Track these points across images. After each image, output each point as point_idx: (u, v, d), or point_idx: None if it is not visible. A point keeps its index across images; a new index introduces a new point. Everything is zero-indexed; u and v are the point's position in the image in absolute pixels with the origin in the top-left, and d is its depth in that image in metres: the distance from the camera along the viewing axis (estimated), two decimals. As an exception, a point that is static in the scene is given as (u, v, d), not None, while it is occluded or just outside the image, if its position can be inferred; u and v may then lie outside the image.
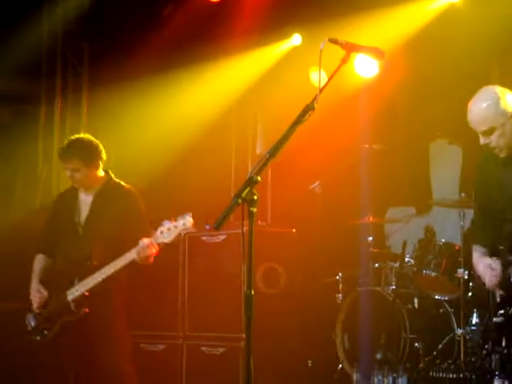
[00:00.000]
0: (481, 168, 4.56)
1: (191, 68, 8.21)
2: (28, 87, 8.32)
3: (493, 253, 4.43)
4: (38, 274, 5.61)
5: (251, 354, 3.44)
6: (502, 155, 4.29)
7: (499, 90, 4.28)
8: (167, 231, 5.11)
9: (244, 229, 3.60)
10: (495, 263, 4.29)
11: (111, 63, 8.05)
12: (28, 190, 8.43)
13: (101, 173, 5.58)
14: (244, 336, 3.57)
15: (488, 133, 4.19)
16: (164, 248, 5.32)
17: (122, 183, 5.65)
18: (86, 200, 5.60)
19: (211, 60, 8.31)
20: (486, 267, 4.34)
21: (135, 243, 5.19)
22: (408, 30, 7.52)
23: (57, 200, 5.86)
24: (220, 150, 9.06)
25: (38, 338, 5.42)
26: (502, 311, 4.29)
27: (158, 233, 5.13)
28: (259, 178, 3.55)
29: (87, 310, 5.29)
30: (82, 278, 5.31)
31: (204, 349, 7.05)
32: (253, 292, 3.50)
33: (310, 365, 7.21)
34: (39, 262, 5.69)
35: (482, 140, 4.25)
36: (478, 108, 4.23)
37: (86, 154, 5.43)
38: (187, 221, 5.08)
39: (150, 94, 8.08)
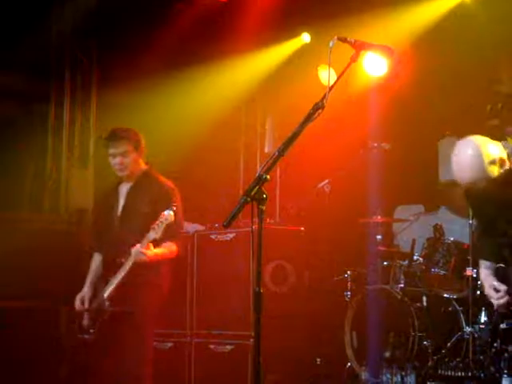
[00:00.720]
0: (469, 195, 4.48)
1: (200, 66, 8.22)
2: (37, 85, 8.33)
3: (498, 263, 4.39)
4: (90, 274, 5.65)
5: (260, 352, 3.44)
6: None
7: (478, 141, 4.12)
8: (157, 227, 5.11)
9: (253, 227, 3.60)
10: (499, 285, 4.24)
11: (120, 61, 8.05)
12: (36, 189, 8.45)
13: (143, 163, 5.59)
14: (253, 334, 3.57)
15: (481, 187, 4.11)
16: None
17: (161, 177, 5.61)
18: (123, 192, 5.60)
19: (220, 58, 8.31)
20: (491, 289, 4.31)
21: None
22: (417, 28, 7.51)
23: (100, 196, 5.86)
24: (229, 149, 9.08)
25: (86, 336, 5.41)
26: (509, 321, 4.27)
27: (151, 231, 5.13)
28: (268, 177, 3.55)
29: (117, 308, 5.26)
30: (113, 275, 5.29)
31: (212, 346, 7.07)
32: (262, 290, 3.50)
33: (318, 363, 7.21)
34: (93, 261, 5.73)
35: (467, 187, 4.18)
36: (465, 168, 4.09)
37: (134, 136, 5.49)
38: (169, 215, 5.08)
39: (158, 92, 8.09)
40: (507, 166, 4.07)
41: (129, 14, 8.00)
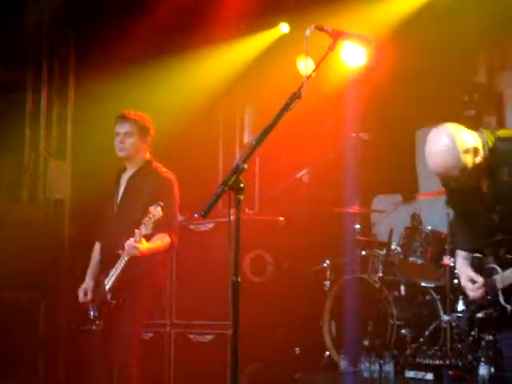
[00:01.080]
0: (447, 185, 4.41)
1: (178, 56, 8.20)
2: (14, 75, 8.29)
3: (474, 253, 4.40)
4: (91, 264, 5.68)
5: (238, 341, 3.45)
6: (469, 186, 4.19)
7: (451, 129, 4.06)
8: (146, 223, 5.14)
9: (231, 217, 3.60)
10: (477, 277, 4.24)
11: (97, 50, 8.02)
12: (14, 178, 8.41)
13: (147, 152, 5.65)
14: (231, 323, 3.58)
15: (456, 176, 4.04)
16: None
17: (162, 168, 5.65)
18: (125, 179, 5.64)
19: (198, 48, 8.29)
20: (468, 281, 4.31)
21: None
22: (395, 18, 7.52)
23: (107, 182, 5.89)
24: (208, 139, 9.06)
25: (94, 327, 5.43)
26: (486, 311, 4.28)
27: (142, 226, 5.15)
28: (246, 166, 3.55)
29: (120, 300, 5.32)
30: (112, 267, 5.33)
31: (192, 337, 7.08)
32: (240, 279, 3.51)
33: (297, 352, 7.23)
34: (94, 250, 5.77)
35: (451, 182, 4.12)
36: (439, 157, 4.02)
37: (142, 121, 5.57)
38: (156, 211, 5.12)
39: (136, 82, 8.05)
40: (481, 156, 4.06)
41: (106, 3, 7.96)
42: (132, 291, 5.33)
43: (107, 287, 5.33)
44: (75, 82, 8.43)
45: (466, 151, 3.99)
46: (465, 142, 4.00)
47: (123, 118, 5.55)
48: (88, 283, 5.57)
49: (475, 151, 4.02)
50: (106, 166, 7.85)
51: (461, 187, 4.19)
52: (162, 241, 5.36)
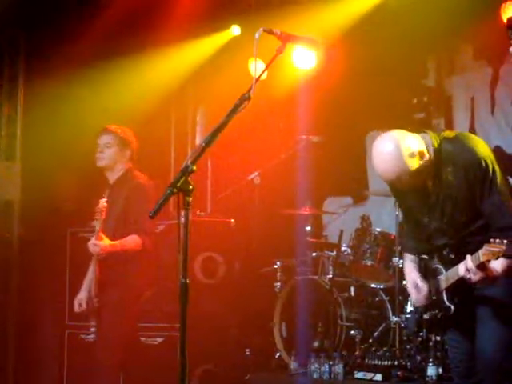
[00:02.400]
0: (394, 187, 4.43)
1: (129, 58, 8.15)
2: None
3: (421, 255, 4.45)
4: (87, 275, 5.73)
5: (186, 343, 3.45)
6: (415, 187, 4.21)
7: (396, 135, 4.10)
8: (97, 217, 5.36)
9: (182, 219, 3.60)
10: (422, 284, 4.28)
11: (48, 52, 7.94)
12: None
13: (128, 163, 5.78)
14: (181, 325, 3.57)
15: (402, 180, 4.08)
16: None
17: (138, 174, 5.79)
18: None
19: (150, 50, 8.25)
20: (413, 287, 4.34)
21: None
22: (346, 21, 7.57)
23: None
24: (160, 141, 9.02)
25: (90, 336, 5.59)
26: (431, 312, 4.34)
27: (95, 222, 5.36)
28: (195, 168, 3.55)
29: (101, 304, 5.52)
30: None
31: (142, 339, 7.04)
32: (188, 281, 3.51)
33: (247, 353, 7.24)
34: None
35: (398, 185, 4.16)
36: (385, 162, 4.06)
37: (122, 134, 5.75)
38: (101, 203, 5.38)
39: (87, 84, 8.00)
40: (427, 158, 4.12)
41: (57, 5, 7.89)
42: (112, 295, 5.50)
43: (92, 293, 5.49)
44: (25, 84, 8.34)
45: (412, 155, 4.05)
46: (410, 146, 4.05)
47: (105, 131, 5.75)
48: (82, 294, 5.65)
49: (420, 155, 4.07)
50: (55, 167, 7.83)
51: (408, 189, 4.24)
52: (130, 241, 5.49)
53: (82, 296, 5.63)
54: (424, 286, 4.27)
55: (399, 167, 4.03)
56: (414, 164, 4.04)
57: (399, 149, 4.03)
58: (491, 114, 7.48)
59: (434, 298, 4.25)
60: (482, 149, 4.12)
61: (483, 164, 4.03)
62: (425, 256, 4.38)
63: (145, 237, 5.54)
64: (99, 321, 5.49)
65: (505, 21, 5.98)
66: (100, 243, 5.33)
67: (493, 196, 4.04)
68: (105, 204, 5.36)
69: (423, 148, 4.09)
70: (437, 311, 4.26)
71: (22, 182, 8.13)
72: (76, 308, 5.63)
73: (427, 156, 4.09)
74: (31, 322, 7.78)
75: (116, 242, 5.44)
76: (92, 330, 5.51)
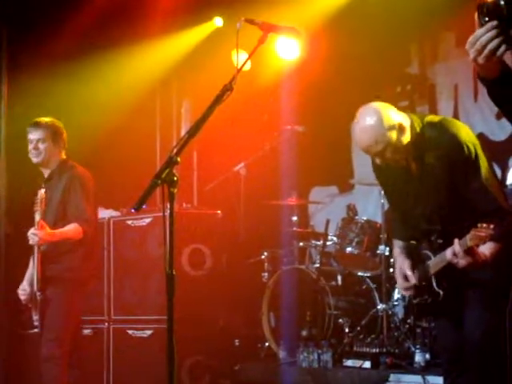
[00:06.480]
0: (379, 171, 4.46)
1: (113, 51, 8.13)
2: None
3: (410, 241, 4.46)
4: (29, 266, 5.72)
5: (173, 335, 3.45)
6: (399, 166, 4.22)
7: (378, 106, 4.12)
8: (36, 207, 5.39)
9: (165, 211, 3.59)
10: (410, 274, 4.25)
11: (31, 47, 7.91)
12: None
13: (62, 155, 5.77)
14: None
15: (382, 152, 4.09)
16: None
17: (75, 165, 5.78)
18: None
19: (133, 43, 8.23)
20: (401, 275, 4.32)
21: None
22: (329, 10, 7.58)
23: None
24: (145, 134, 9.02)
25: (35, 330, 5.52)
26: (420, 297, 4.34)
27: (35, 213, 5.38)
28: (179, 159, 3.55)
29: (45, 297, 5.46)
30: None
31: (131, 332, 7.06)
32: (175, 272, 3.51)
33: (236, 343, 7.27)
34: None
35: (379, 161, 4.15)
36: (366, 130, 4.08)
37: (53, 127, 5.72)
38: (40, 193, 5.40)
39: (71, 78, 7.98)
40: (407, 134, 4.12)
41: (39, -1, 7.87)
42: (55, 288, 5.46)
43: (35, 287, 5.44)
44: (9, 80, 8.31)
45: (392, 127, 4.05)
46: (391, 118, 4.06)
47: (35, 126, 5.71)
48: (24, 285, 5.63)
49: (401, 128, 4.07)
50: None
51: (390, 170, 4.24)
52: (70, 229, 5.47)
53: (24, 287, 5.60)
54: (412, 277, 4.25)
55: (377, 137, 4.03)
56: (393, 136, 4.04)
57: (380, 119, 4.04)
58: (474, 101, 7.52)
59: (424, 283, 4.26)
60: (465, 134, 4.13)
61: (465, 149, 4.04)
62: (413, 242, 4.39)
63: (85, 225, 5.49)
64: (42, 314, 5.43)
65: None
66: (38, 233, 5.32)
67: (477, 181, 4.05)
68: (44, 194, 5.36)
69: (405, 123, 4.10)
70: (426, 297, 4.27)
71: (8, 178, 8.11)
72: (21, 296, 5.58)
73: (408, 134, 4.10)
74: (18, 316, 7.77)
75: (55, 231, 5.43)
76: (36, 323, 5.45)
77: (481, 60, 2.37)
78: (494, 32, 2.32)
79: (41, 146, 5.65)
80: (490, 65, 2.41)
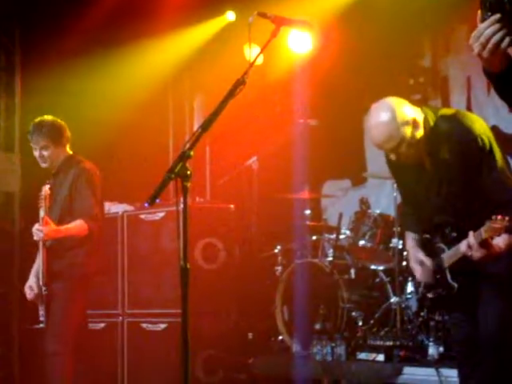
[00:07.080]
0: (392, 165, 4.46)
1: (126, 47, 8.15)
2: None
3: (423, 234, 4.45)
4: (35, 262, 5.74)
5: (188, 328, 3.47)
6: (413, 160, 4.21)
7: (392, 102, 4.13)
8: (40, 203, 5.41)
9: (179, 205, 3.61)
10: (426, 259, 4.27)
11: (44, 43, 7.94)
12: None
13: (67, 152, 5.78)
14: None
15: (396, 148, 4.09)
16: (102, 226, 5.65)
17: (81, 160, 5.79)
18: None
19: (146, 38, 8.26)
20: (417, 263, 4.32)
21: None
22: (342, 3, 7.58)
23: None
24: (158, 128, 9.05)
25: (41, 325, 5.53)
26: (435, 291, 4.33)
27: (40, 209, 5.40)
28: (192, 153, 3.56)
29: (50, 293, 5.48)
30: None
31: (145, 326, 7.08)
32: (189, 266, 3.53)
33: (250, 337, 7.28)
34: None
35: (393, 156, 4.15)
36: (379, 127, 4.08)
37: (52, 131, 5.68)
38: (44, 190, 5.44)
39: (85, 73, 8.01)
40: (421, 129, 4.12)
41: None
42: (60, 283, 5.48)
43: (40, 282, 5.47)
44: (22, 75, 8.34)
45: (406, 123, 4.05)
46: (404, 113, 4.06)
47: (33, 133, 5.69)
48: (31, 280, 5.66)
49: (415, 124, 4.07)
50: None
51: (404, 163, 4.24)
52: (75, 226, 5.48)
53: (31, 283, 5.62)
54: (428, 261, 4.25)
55: (391, 132, 4.03)
56: (407, 132, 4.04)
57: (394, 114, 4.04)
58: (487, 94, 7.49)
59: (438, 276, 4.25)
60: (480, 126, 4.12)
61: (480, 141, 4.03)
62: (427, 235, 4.38)
63: (90, 221, 5.51)
64: (47, 309, 5.46)
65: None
66: (43, 229, 5.32)
67: (492, 173, 4.04)
68: (48, 191, 5.40)
69: (419, 119, 4.09)
70: (440, 290, 4.26)
71: (22, 173, 8.15)
72: (27, 294, 5.61)
73: (421, 129, 4.09)
74: (34, 313, 7.81)
75: (60, 228, 5.43)
76: (41, 318, 5.48)
77: (485, 54, 2.38)
78: (497, 25, 2.34)
79: (45, 153, 5.68)
80: (495, 59, 2.42)
